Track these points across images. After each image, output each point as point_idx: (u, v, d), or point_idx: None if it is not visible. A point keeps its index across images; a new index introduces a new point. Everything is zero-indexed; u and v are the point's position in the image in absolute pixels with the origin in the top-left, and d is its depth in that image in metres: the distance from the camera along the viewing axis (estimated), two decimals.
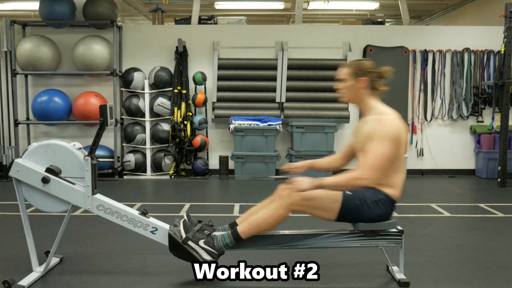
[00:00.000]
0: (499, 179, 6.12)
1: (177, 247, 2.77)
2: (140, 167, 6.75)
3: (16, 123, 6.62)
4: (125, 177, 6.77)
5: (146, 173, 6.80)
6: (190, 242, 2.75)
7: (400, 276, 2.87)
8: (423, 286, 2.83)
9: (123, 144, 6.92)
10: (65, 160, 2.85)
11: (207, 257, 2.74)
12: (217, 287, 2.83)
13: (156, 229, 2.86)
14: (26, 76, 6.74)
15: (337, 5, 9.53)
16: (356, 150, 2.82)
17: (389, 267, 2.99)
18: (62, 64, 6.86)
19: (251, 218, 2.77)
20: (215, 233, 2.81)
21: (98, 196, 2.88)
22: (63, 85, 6.85)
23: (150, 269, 3.10)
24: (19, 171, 2.83)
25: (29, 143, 6.65)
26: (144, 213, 2.89)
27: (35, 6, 6.82)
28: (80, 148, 2.92)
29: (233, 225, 2.90)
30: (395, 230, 2.85)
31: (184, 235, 2.76)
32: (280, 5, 9.85)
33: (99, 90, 6.79)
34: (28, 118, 6.78)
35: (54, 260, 3.12)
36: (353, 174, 2.61)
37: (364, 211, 2.68)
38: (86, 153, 2.87)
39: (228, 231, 2.78)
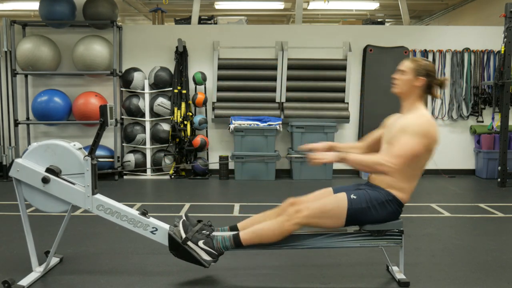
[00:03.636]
0: (499, 179, 6.11)
1: (177, 247, 2.77)
2: (140, 167, 6.75)
3: (16, 123, 6.62)
4: (125, 177, 6.77)
5: (146, 173, 6.80)
6: (189, 243, 2.74)
7: (400, 276, 2.87)
8: (423, 286, 2.83)
9: (123, 144, 6.92)
10: (65, 160, 2.85)
11: (206, 257, 2.74)
12: (217, 287, 2.84)
13: (156, 229, 2.86)
14: (26, 76, 6.74)
15: (337, 5, 9.52)
16: (383, 142, 2.81)
17: (389, 267, 2.99)
18: (62, 64, 6.86)
19: (256, 227, 2.75)
20: (215, 233, 2.80)
21: (98, 196, 2.88)
22: (63, 85, 6.85)
23: (150, 269, 3.10)
24: (19, 171, 2.83)
25: (29, 143, 6.65)
26: (144, 213, 2.89)
27: (35, 6, 6.82)
28: (80, 148, 2.92)
29: (234, 228, 2.89)
30: (395, 230, 2.85)
31: (183, 236, 2.76)
32: (280, 5, 9.85)
33: (99, 90, 6.79)
34: (28, 118, 6.78)
35: (54, 260, 3.12)
36: (377, 158, 2.59)
37: (371, 213, 2.67)
38: (86, 153, 2.87)
39: (230, 235, 2.75)
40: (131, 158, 6.71)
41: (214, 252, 2.74)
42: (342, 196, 2.68)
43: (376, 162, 2.58)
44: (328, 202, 2.68)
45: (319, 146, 2.94)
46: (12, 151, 6.67)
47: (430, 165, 7.03)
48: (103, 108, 2.88)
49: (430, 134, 2.60)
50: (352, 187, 2.85)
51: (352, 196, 2.67)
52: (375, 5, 9.86)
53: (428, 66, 2.75)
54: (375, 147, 2.92)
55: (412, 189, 2.71)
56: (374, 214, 2.67)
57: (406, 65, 2.77)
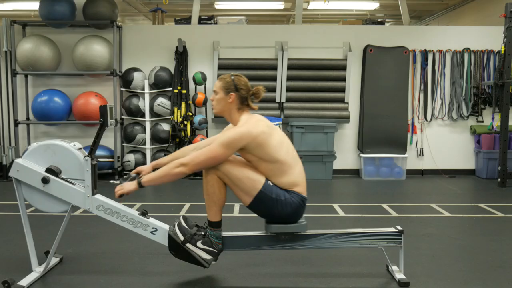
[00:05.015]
0: (499, 179, 6.11)
1: (177, 248, 2.78)
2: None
3: (16, 123, 6.62)
4: (125, 177, 6.75)
5: None
6: (188, 244, 2.76)
7: (400, 276, 2.87)
8: (423, 286, 2.83)
9: (123, 144, 6.92)
10: (65, 161, 2.85)
11: (207, 256, 2.75)
12: (217, 287, 2.84)
13: (156, 230, 2.85)
14: (26, 76, 6.74)
15: (337, 5, 9.53)
16: None
17: (389, 267, 2.99)
18: (62, 64, 6.86)
19: (205, 200, 2.80)
20: None
21: (98, 196, 2.88)
22: (63, 85, 6.85)
23: (150, 269, 3.10)
24: (19, 171, 2.83)
25: (29, 143, 6.65)
26: (144, 213, 2.89)
27: (35, 6, 6.82)
28: (80, 148, 2.92)
29: None
30: (395, 230, 2.86)
31: (181, 238, 2.76)
32: (280, 5, 9.85)
33: (99, 90, 6.79)
34: (28, 118, 6.78)
35: (54, 260, 3.12)
36: (174, 162, 2.68)
37: (278, 206, 2.71)
38: (86, 153, 2.87)
39: (207, 225, 2.82)
40: (131, 158, 6.71)
41: (214, 250, 2.76)
42: (262, 178, 2.72)
43: (172, 166, 2.67)
44: (247, 175, 2.71)
45: (145, 169, 2.99)
46: (12, 151, 6.67)
47: (430, 165, 7.10)
48: (103, 108, 2.88)
49: (235, 140, 2.64)
50: None
51: (269, 182, 2.72)
52: (375, 5, 9.87)
53: (236, 80, 2.79)
54: None
55: (299, 179, 2.76)
56: (280, 208, 2.71)
57: (216, 85, 2.84)
